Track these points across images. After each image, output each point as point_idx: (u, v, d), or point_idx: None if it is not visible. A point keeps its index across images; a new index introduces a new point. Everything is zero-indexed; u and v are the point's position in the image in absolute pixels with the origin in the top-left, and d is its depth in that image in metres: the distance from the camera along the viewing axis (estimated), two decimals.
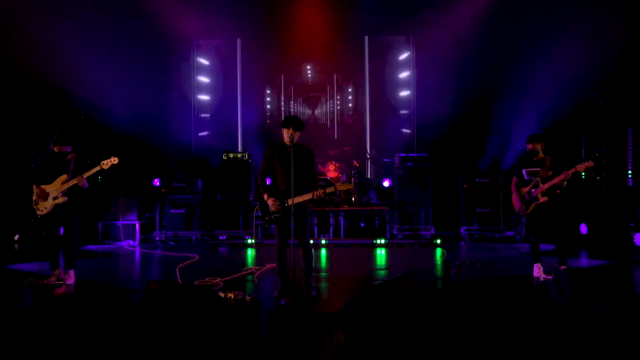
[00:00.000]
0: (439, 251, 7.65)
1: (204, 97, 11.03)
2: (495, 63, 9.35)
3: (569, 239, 8.02)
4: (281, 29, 10.21)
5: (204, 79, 11.00)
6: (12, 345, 3.54)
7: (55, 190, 5.32)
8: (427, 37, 10.00)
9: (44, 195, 5.32)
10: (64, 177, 5.33)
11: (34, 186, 5.37)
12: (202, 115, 10.99)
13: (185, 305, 3.77)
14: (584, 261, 6.92)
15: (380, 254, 7.62)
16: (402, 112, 10.80)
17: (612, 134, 8.43)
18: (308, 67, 11.61)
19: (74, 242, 5.46)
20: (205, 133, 10.91)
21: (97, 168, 5.28)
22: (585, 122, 8.86)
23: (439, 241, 8.23)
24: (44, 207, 5.31)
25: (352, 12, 9.77)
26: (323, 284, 5.55)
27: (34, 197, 5.37)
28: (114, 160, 5.29)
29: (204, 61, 10.98)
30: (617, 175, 8.30)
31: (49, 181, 5.35)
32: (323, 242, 8.34)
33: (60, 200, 5.32)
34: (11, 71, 8.14)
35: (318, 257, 7.32)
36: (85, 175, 5.25)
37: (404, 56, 10.83)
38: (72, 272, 5.49)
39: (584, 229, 8.13)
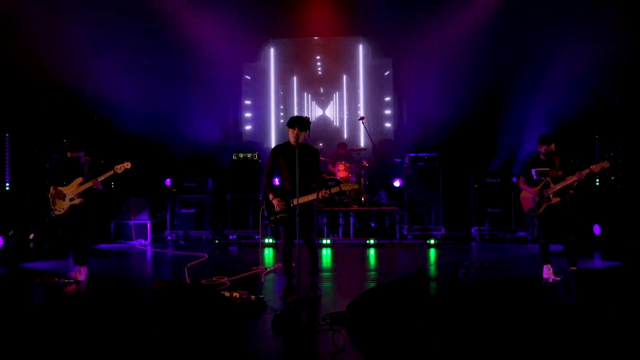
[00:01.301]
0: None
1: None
2: (506, 61, 9.24)
3: (580, 240, 7.90)
4: (291, 31, 10.21)
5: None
6: (18, 343, 3.62)
7: (71, 192, 5.55)
8: (439, 35, 9.92)
9: (61, 196, 5.54)
10: (79, 179, 5.56)
11: (51, 187, 5.60)
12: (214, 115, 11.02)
13: (190, 304, 3.82)
14: (597, 262, 6.81)
15: (389, 254, 7.60)
16: (412, 111, 10.76)
17: (627, 133, 8.28)
18: (319, 65, 11.53)
19: (86, 241, 5.67)
20: (216, 133, 10.98)
21: (111, 172, 5.50)
22: (599, 121, 8.71)
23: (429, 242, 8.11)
24: (61, 208, 5.56)
25: (362, 11, 9.72)
26: (329, 284, 5.55)
27: (51, 198, 5.60)
28: (127, 165, 5.52)
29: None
30: (632, 175, 8.15)
31: (66, 183, 5.58)
32: (329, 242, 8.34)
33: (77, 201, 5.55)
34: (26, 73, 8.28)
35: (325, 257, 7.33)
36: (100, 178, 5.49)
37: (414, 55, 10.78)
38: (83, 270, 5.67)
39: (597, 229, 8.00)
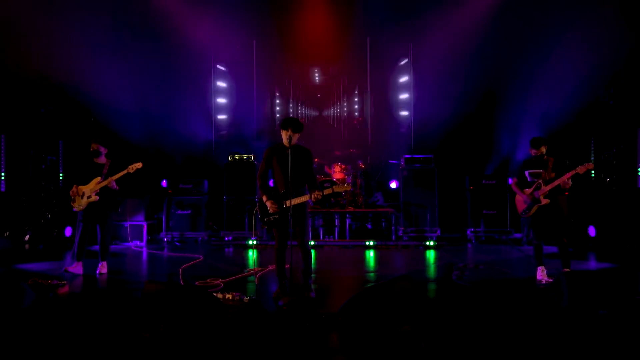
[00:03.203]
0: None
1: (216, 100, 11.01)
2: (502, 62, 9.24)
3: (575, 242, 7.90)
4: (289, 33, 10.20)
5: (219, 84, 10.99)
6: (5, 344, 3.61)
7: (89, 191, 5.95)
8: (433, 36, 9.91)
9: (80, 194, 5.95)
10: (98, 179, 5.96)
11: (74, 186, 5.99)
12: (218, 117, 10.96)
13: (181, 306, 3.81)
14: (592, 264, 6.81)
15: (385, 255, 7.59)
16: (406, 113, 10.76)
17: (622, 135, 8.28)
18: (315, 70, 11.51)
19: (107, 238, 6.11)
20: (214, 135, 10.96)
21: (125, 172, 5.91)
22: (595, 123, 8.71)
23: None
24: (79, 205, 5.96)
25: (354, 15, 9.72)
26: (323, 285, 5.54)
27: (72, 195, 5.94)
28: (139, 165, 5.92)
29: (219, 67, 10.95)
30: (627, 177, 8.14)
31: (85, 182, 5.98)
32: (327, 243, 8.34)
33: (93, 198, 5.93)
34: (22, 74, 8.26)
35: (320, 258, 7.32)
36: (114, 177, 5.88)
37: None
38: (105, 264, 6.12)
39: (592, 231, 8.00)
